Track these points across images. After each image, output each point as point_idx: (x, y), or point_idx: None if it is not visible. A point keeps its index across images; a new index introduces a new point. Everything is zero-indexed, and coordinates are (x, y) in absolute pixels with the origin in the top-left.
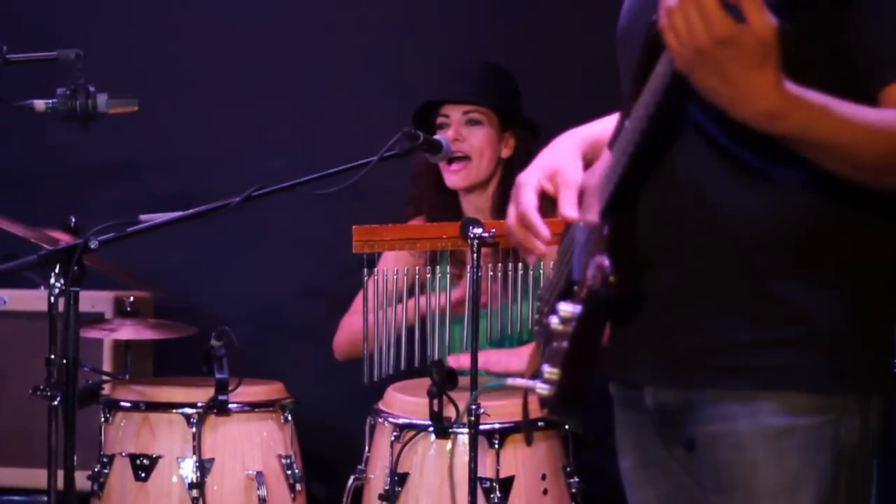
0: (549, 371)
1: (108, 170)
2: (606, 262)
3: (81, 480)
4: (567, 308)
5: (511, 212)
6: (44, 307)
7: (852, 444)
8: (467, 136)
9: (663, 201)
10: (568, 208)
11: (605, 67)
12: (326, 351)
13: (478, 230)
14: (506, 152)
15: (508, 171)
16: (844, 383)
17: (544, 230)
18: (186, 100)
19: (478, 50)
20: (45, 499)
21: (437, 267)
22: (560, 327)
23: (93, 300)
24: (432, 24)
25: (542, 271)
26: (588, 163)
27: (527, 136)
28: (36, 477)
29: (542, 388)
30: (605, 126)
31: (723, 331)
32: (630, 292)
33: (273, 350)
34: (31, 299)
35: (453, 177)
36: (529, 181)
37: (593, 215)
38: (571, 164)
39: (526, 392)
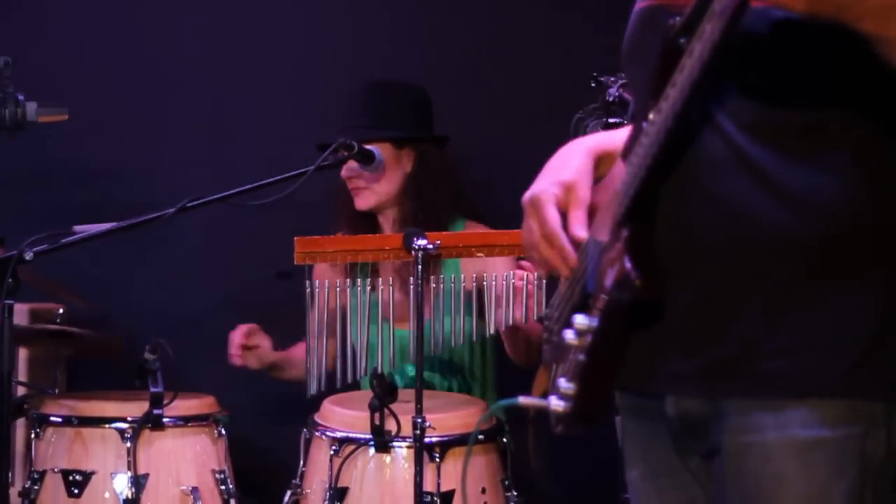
0: (566, 386)
1: (24, 180)
2: (629, 265)
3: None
4: (583, 320)
5: (533, 227)
6: None
7: (877, 458)
8: (359, 170)
9: (685, 212)
10: (579, 229)
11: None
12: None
13: (422, 242)
14: (407, 167)
15: (413, 184)
16: (873, 390)
17: (572, 255)
18: (106, 110)
19: (398, 55)
20: None
21: (357, 279)
22: (576, 340)
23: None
24: (354, 32)
25: (463, 285)
26: (597, 177)
27: (426, 146)
28: None
29: (557, 405)
30: (616, 137)
31: (750, 339)
32: (655, 295)
33: (198, 363)
34: None
35: (356, 200)
36: (548, 197)
37: (605, 234)
38: (585, 180)
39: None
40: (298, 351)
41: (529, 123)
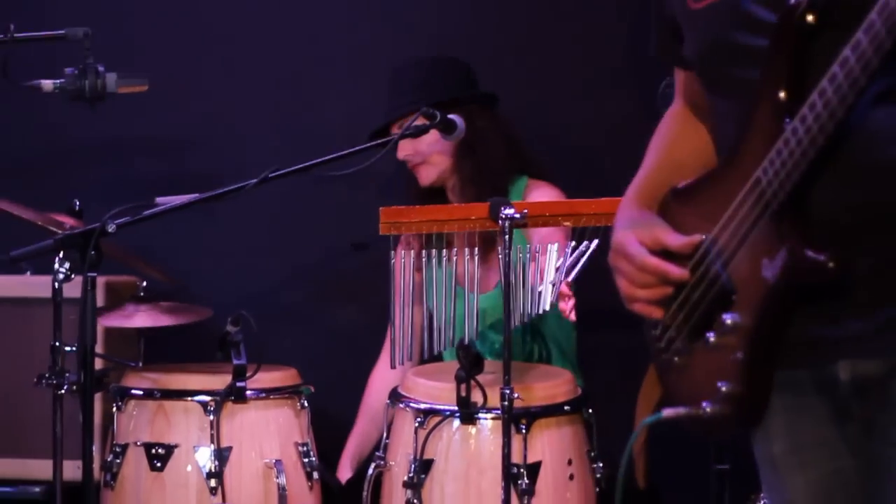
0: (729, 387)
1: (103, 152)
2: (809, 251)
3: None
4: (733, 317)
5: (625, 269)
6: (28, 293)
7: None
8: (412, 145)
9: (853, 186)
10: (678, 238)
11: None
12: (331, 336)
13: (508, 211)
14: (458, 135)
15: (466, 148)
16: None
17: (676, 270)
18: (184, 81)
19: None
20: (37, 490)
21: (433, 250)
22: (725, 339)
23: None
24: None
25: (550, 254)
26: None
27: (474, 109)
28: (26, 468)
29: (714, 409)
30: (648, 177)
31: None
32: (843, 270)
33: (279, 335)
34: (18, 285)
35: (419, 177)
36: (627, 240)
37: (724, 235)
38: (649, 215)
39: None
40: (358, 436)
41: (612, 85)
